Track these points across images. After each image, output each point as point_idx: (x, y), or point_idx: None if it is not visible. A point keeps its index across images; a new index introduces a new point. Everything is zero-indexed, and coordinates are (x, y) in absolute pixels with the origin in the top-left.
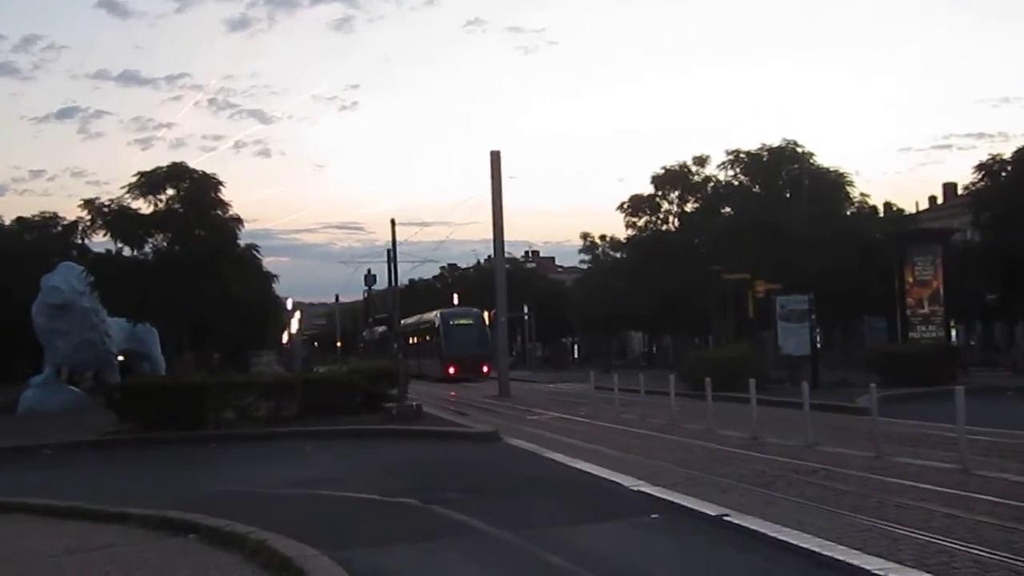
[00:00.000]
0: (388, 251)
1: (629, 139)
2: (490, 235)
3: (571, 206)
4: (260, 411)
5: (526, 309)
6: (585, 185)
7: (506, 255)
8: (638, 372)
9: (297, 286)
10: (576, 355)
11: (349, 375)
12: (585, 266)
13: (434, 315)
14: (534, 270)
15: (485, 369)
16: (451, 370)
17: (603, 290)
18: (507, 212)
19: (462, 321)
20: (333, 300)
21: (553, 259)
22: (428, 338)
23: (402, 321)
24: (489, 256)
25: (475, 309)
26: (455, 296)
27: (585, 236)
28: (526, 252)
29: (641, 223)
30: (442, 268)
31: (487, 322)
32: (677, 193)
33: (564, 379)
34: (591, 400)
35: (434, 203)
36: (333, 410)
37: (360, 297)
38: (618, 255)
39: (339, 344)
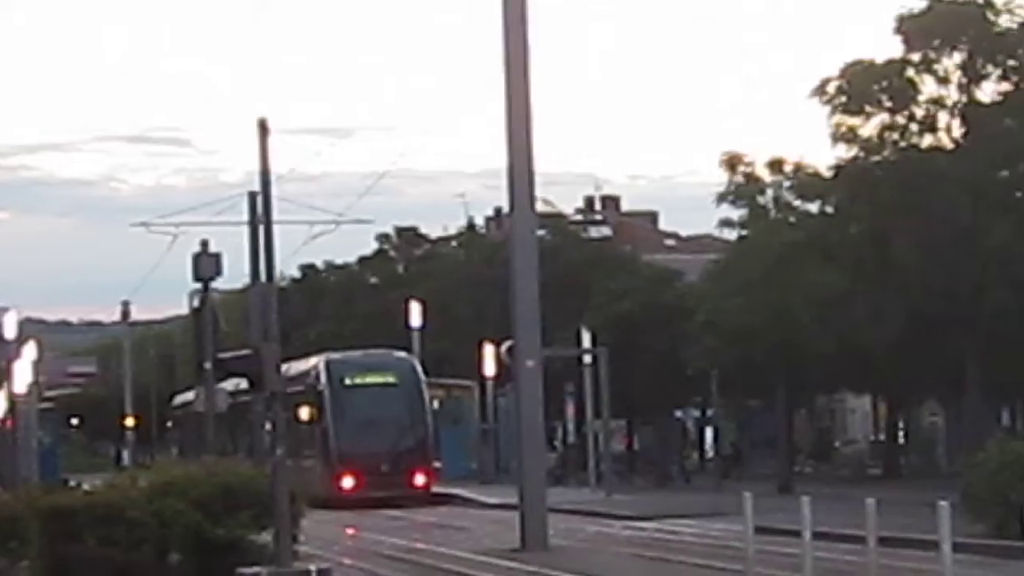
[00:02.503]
0: (252, 196)
1: None
2: (496, 161)
3: (690, 98)
4: None
5: (588, 339)
6: (721, 53)
7: (541, 205)
8: (861, 491)
9: (31, 284)
10: (712, 450)
11: (153, 496)
12: (733, 234)
13: (313, 365)
14: (608, 243)
15: (420, 480)
16: (346, 482)
17: (778, 294)
18: (541, 105)
19: (369, 379)
20: (118, 318)
21: (654, 217)
22: (302, 415)
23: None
24: (499, 210)
25: (398, 354)
26: (411, 308)
27: (732, 163)
28: (588, 200)
29: (870, 130)
30: (384, 238)
31: (422, 377)
32: (959, 58)
33: (681, 509)
34: (747, 560)
35: (363, 89)
36: None
37: (184, 310)
38: (813, 207)
39: (130, 421)
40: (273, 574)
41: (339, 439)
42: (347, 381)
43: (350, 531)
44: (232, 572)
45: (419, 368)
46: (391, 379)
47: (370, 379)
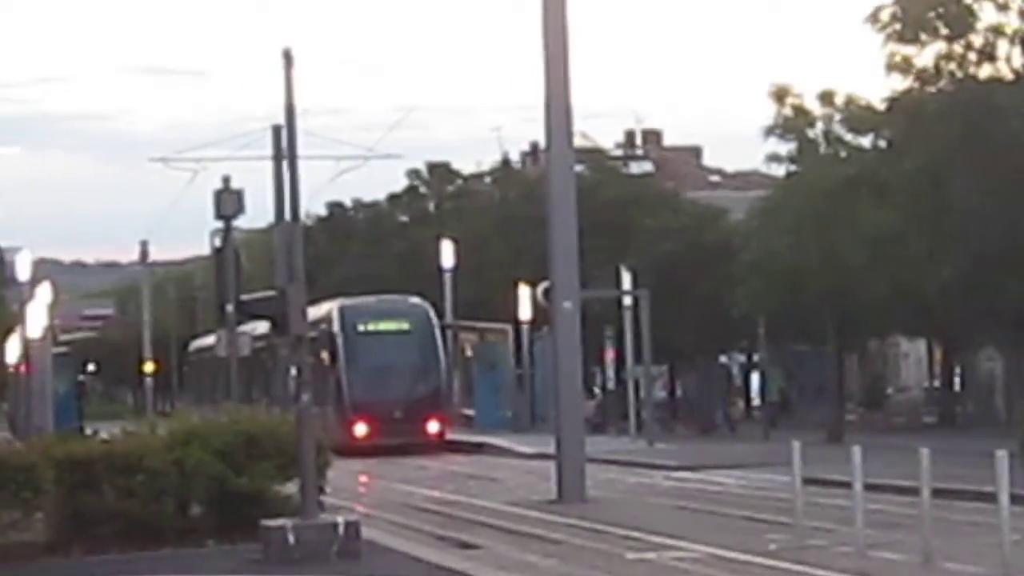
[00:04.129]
0: (276, 130)
1: None
2: (533, 93)
3: (736, 26)
4: None
5: (628, 280)
6: None
7: (579, 140)
8: (914, 440)
9: (44, 223)
10: (758, 397)
11: (173, 445)
12: (781, 170)
13: (327, 312)
14: (649, 179)
15: (434, 428)
16: (360, 429)
17: (829, 233)
18: (579, 34)
19: (382, 325)
20: (135, 259)
21: (698, 152)
22: (314, 362)
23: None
24: (535, 145)
25: (413, 299)
26: (443, 248)
27: (780, 95)
28: (628, 134)
29: (925, 60)
30: (414, 174)
31: (436, 323)
32: None
33: (726, 459)
34: (795, 512)
35: (394, 18)
36: (135, 534)
37: (205, 250)
38: (866, 142)
39: (150, 366)
40: (298, 527)
41: (352, 386)
42: (360, 328)
43: (377, 482)
44: (255, 524)
45: (433, 314)
46: (405, 325)
47: (383, 325)
